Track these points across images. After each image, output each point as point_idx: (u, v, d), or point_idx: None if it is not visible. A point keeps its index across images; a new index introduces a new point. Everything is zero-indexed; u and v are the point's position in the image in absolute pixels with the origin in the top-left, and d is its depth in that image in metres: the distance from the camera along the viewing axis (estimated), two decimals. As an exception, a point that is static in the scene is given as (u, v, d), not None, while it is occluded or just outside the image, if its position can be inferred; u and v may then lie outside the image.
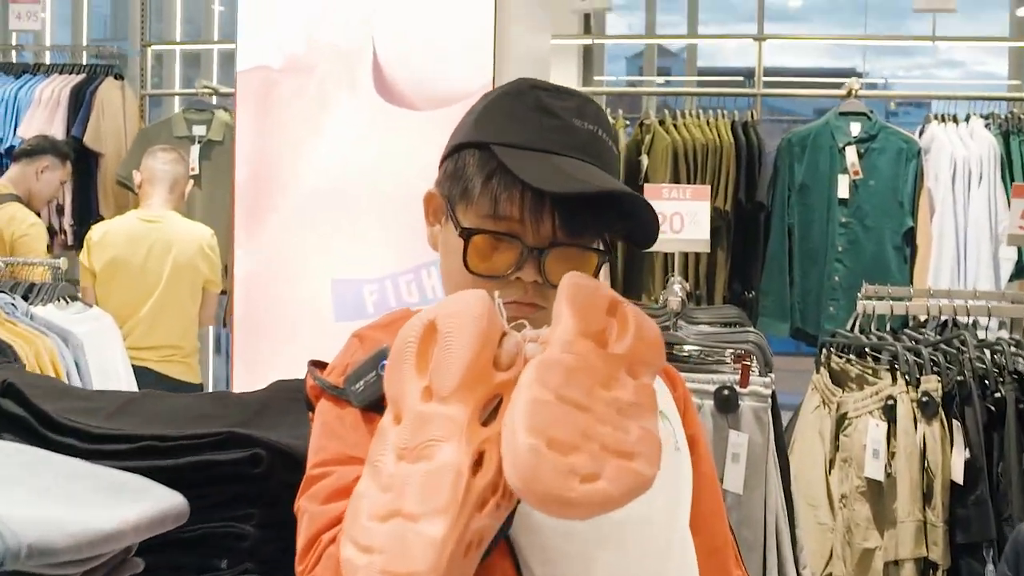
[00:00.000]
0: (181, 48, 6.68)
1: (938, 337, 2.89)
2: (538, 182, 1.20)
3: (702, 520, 1.41)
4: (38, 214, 5.02)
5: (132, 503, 1.16)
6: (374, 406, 1.19)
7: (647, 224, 1.28)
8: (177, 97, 6.28)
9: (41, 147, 5.05)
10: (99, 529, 1.06)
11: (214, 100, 5.81)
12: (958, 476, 2.59)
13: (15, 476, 1.13)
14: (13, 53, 6.22)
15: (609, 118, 1.39)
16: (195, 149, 5.47)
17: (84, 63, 5.82)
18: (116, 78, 5.70)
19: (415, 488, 0.98)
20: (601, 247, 1.27)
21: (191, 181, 4.86)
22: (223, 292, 5.18)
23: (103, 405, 1.65)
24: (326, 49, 3.06)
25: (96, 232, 4.57)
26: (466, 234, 1.26)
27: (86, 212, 5.52)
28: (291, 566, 1.51)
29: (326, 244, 3.10)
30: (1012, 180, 4.76)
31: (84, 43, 6.67)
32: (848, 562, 2.77)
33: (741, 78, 5.19)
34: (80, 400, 1.69)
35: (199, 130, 5.50)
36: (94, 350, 3.68)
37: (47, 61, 6.00)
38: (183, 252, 4.47)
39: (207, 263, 4.51)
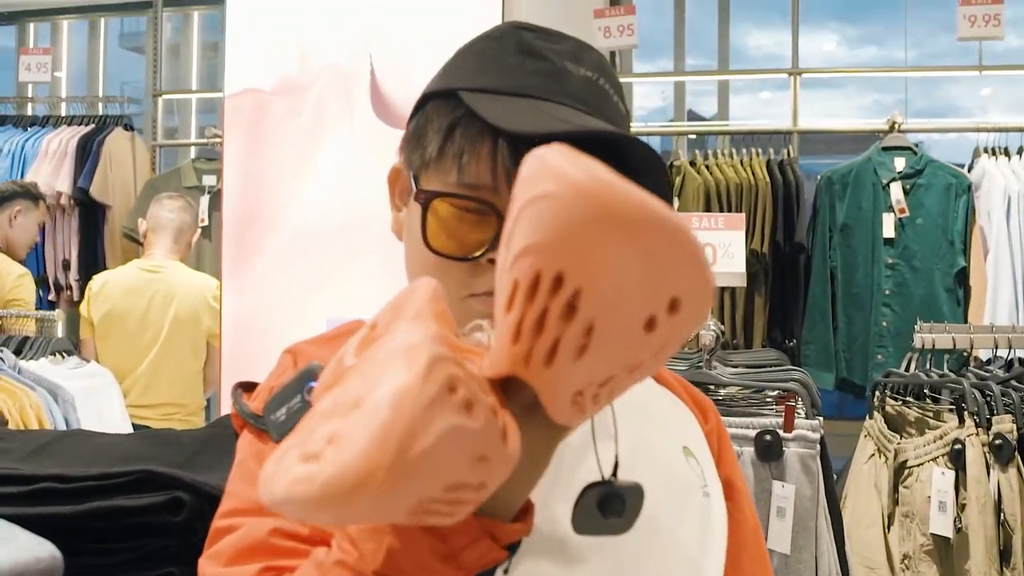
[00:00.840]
0: (196, 97, 6.50)
1: (1008, 374, 2.55)
2: (508, 122, 0.91)
3: None
4: (24, 262, 4.83)
5: (-25, 556, 0.87)
6: None
7: (659, 186, 0.96)
8: (192, 148, 6.10)
9: (10, 191, 4.86)
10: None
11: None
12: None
13: None
14: (29, 106, 6.08)
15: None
16: (204, 200, 5.26)
17: (99, 114, 5.65)
18: (126, 128, 5.52)
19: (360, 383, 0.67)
20: None
21: (199, 230, 4.64)
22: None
23: (18, 446, 1.37)
24: (321, 69, 2.82)
25: (96, 282, 4.37)
26: (424, 198, 0.97)
27: (92, 266, 5.30)
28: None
29: (321, 280, 2.83)
30: (1071, 215, 4.43)
31: (100, 95, 6.52)
32: (914, 633, 2.41)
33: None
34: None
35: (209, 180, 5.30)
36: (90, 407, 3.49)
37: (62, 113, 5.85)
38: (185, 303, 4.24)
39: (211, 315, 4.24)
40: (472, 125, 0.95)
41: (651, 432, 1.12)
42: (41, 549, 0.94)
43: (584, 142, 0.87)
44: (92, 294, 4.32)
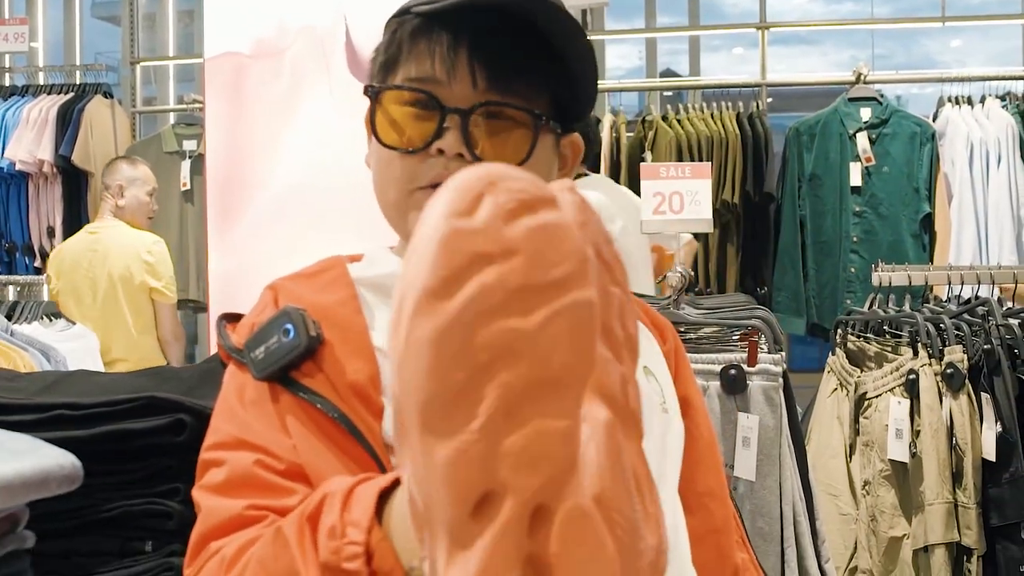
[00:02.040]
0: (173, 64, 6.54)
1: (961, 308, 2.67)
2: (435, 7, 0.98)
3: (696, 497, 1.22)
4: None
5: (5, 462, 0.98)
6: (276, 377, 0.99)
7: (586, 76, 1.03)
8: (171, 114, 6.15)
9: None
10: (-52, 484, 0.88)
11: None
12: (990, 453, 2.37)
13: None
14: (7, 76, 6.11)
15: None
16: (186, 164, 5.34)
17: (77, 83, 5.69)
18: (105, 96, 5.58)
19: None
20: (540, 113, 1.02)
21: (149, 187, 4.60)
22: (194, 305, 5.02)
23: (29, 384, 1.47)
24: (298, 31, 2.90)
25: (53, 252, 4.53)
26: (371, 92, 1.05)
27: (77, 232, 5.37)
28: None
29: (304, 238, 2.92)
30: (1032, 160, 4.56)
31: (77, 63, 6.55)
32: (874, 552, 2.55)
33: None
34: (4, 380, 1.51)
35: (189, 144, 5.37)
36: (78, 366, 3.57)
37: (40, 82, 5.89)
38: (119, 260, 4.35)
39: (146, 269, 4.35)
40: (411, 24, 1.02)
41: None
42: (63, 458, 1.05)
43: (508, 17, 0.96)
44: (50, 261, 4.47)
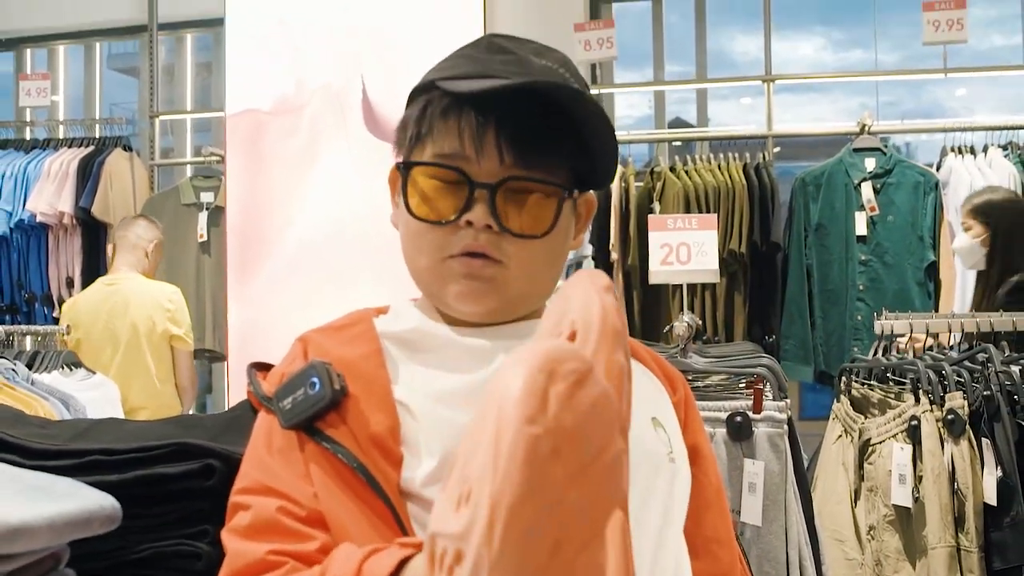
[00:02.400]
0: (192, 117, 6.68)
1: (962, 355, 2.74)
2: (465, 87, 1.07)
3: (703, 542, 1.26)
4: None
5: (51, 502, 1.05)
6: (302, 426, 1.07)
7: (606, 152, 1.11)
8: (189, 166, 6.28)
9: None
10: (4, 521, 0.95)
11: (222, 167, 5.79)
12: (991, 497, 2.43)
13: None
14: (28, 130, 6.25)
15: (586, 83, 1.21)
16: (203, 216, 5.44)
17: (96, 136, 5.83)
18: (125, 149, 5.70)
19: None
20: (563, 183, 1.11)
21: (156, 243, 4.71)
22: (210, 355, 5.09)
23: (59, 432, 1.55)
24: (315, 89, 3.01)
25: (67, 303, 4.62)
26: (403, 168, 1.13)
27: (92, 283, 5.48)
28: (250, 587, 1.40)
29: (320, 291, 3.02)
30: (1035, 209, 4.62)
31: (96, 116, 6.70)
32: (880, 597, 2.59)
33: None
34: (37, 427, 1.59)
35: (207, 197, 5.47)
36: (98, 415, 3.63)
37: (60, 136, 6.02)
38: (140, 309, 4.44)
39: (167, 317, 4.44)
40: (441, 103, 1.10)
41: None
42: (104, 499, 1.12)
43: (531, 96, 1.05)
44: (64, 313, 4.57)
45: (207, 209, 5.44)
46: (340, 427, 1.07)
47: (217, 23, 4.26)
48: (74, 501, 1.07)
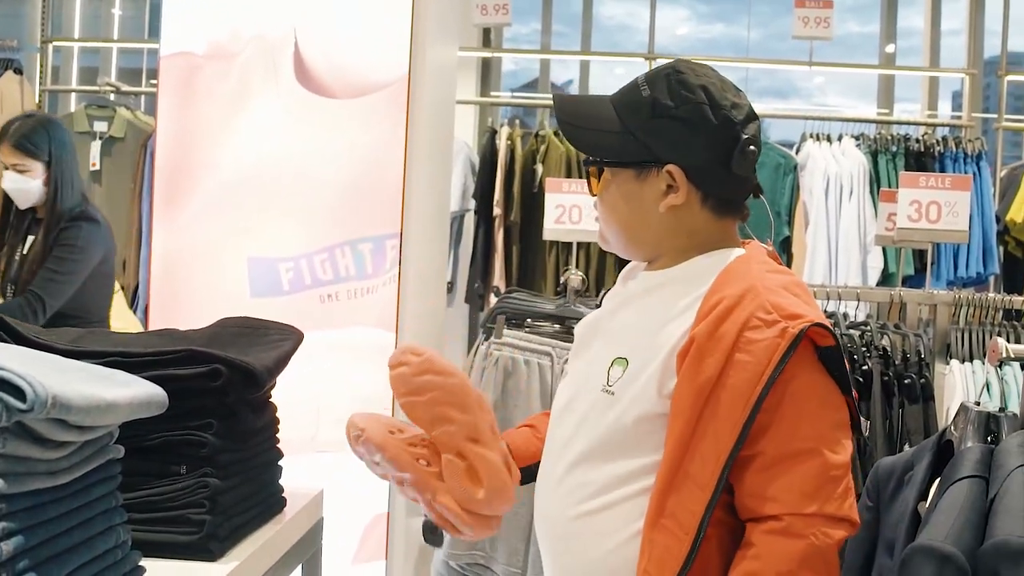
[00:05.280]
0: (79, 45, 6.66)
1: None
2: None
3: (683, 477, 1.59)
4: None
5: (122, 387, 1.30)
6: None
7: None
8: (73, 95, 6.28)
9: None
10: (102, 397, 1.20)
11: (113, 97, 5.83)
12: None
13: (15, 357, 1.26)
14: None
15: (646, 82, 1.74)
16: (96, 145, 5.50)
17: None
18: (15, 72, 5.68)
19: None
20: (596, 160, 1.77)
21: None
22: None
23: (58, 337, 1.76)
24: (250, 39, 3.20)
25: None
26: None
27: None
28: (245, 473, 1.67)
29: (243, 225, 3.22)
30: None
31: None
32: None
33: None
34: (38, 333, 1.80)
35: (100, 126, 5.53)
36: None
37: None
38: None
39: None
40: None
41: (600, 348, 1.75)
42: (155, 387, 1.36)
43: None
44: None
45: (100, 139, 5.51)
46: None
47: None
48: (139, 387, 1.32)
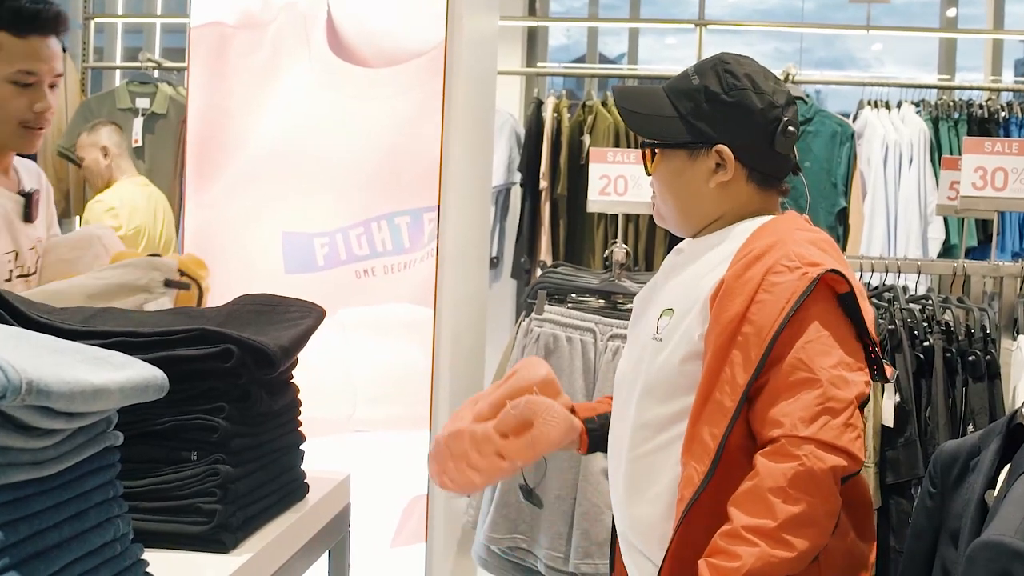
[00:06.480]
0: (123, 22, 6.62)
1: (870, 293, 3.00)
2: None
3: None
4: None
5: (116, 370, 1.20)
6: None
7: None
8: (118, 71, 6.24)
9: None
10: (90, 381, 1.11)
11: (156, 74, 5.78)
12: (888, 420, 2.70)
13: (2, 341, 1.17)
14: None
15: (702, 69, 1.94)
16: (138, 121, 5.46)
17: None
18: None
19: None
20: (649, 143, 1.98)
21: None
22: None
23: (70, 316, 1.68)
24: (281, 7, 3.10)
25: (115, 199, 4.70)
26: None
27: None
28: (260, 459, 1.58)
29: (277, 198, 3.14)
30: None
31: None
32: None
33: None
34: (49, 312, 1.72)
35: (142, 103, 5.49)
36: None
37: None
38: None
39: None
40: None
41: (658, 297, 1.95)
42: (155, 371, 1.26)
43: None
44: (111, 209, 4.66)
45: (142, 115, 5.46)
46: None
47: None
48: (134, 370, 1.23)
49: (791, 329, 1.71)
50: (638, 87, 2.29)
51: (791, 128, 1.89)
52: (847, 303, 1.77)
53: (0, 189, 2.33)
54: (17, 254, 2.32)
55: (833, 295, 1.77)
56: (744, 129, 1.88)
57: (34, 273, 2.37)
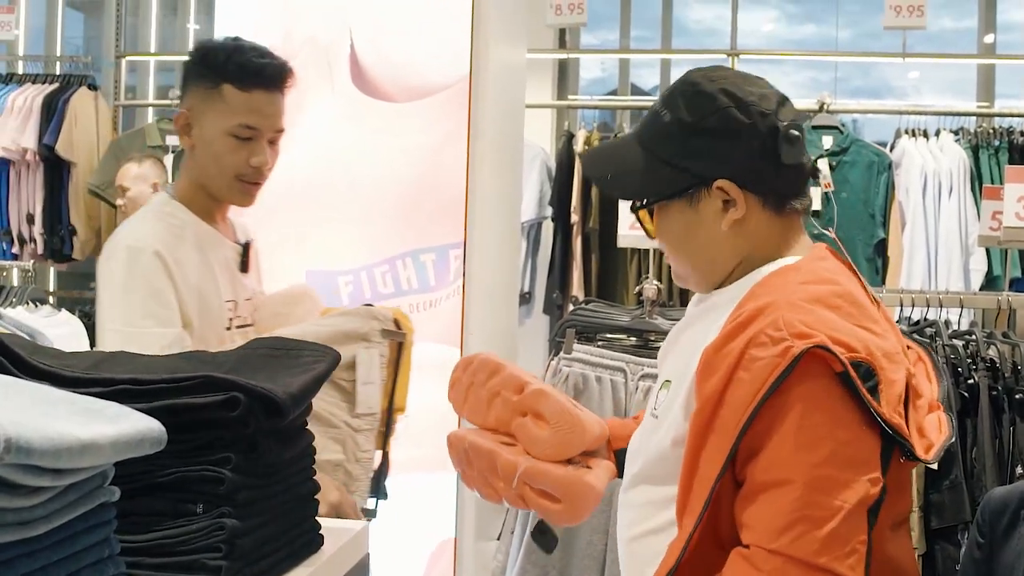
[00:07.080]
0: (155, 60, 6.66)
1: (911, 329, 2.90)
2: None
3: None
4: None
5: (109, 423, 1.14)
6: None
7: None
8: (150, 109, 6.27)
9: None
10: (76, 437, 1.05)
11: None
12: (932, 462, 2.59)
13: (-11, 393, 1.12)
14: (-11, 64, 6.18)
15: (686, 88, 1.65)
16: (169, 159, 5.46)
17: (57, 73, 5.79)
18: (89, 88, 5.68)
19: None
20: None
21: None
22: None
23: (77, 362, 1.63)
24: (303, 41, 3.07)
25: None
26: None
27: (56, 221, 5.48)
28: (270, 511, 1.51)
29: (301, 236, 3.10)
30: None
31: (57, 54, 6.64)
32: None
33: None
34: (51, 357, 1.66)
35: (172, 140, 5.48)
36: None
37: (19, 71, 5.97)
38: None
39: None
40: None
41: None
42: (152, 423, 1.20)
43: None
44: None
45: (172, 152, 5.46)
46: None
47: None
48: (128, 423, 1.16)
49: (767, 416, 1.43)
50: (604, 145, 2.01)
51: (794, 132, 1.59)
52: (848, 381, 1.44)
53: (221, 238, 2.33)
54: (236, 304, 2.32)
55: (828, 371, 1.44)
56: (739, 153, 1.59)
57: (251, 324, 2.37)
